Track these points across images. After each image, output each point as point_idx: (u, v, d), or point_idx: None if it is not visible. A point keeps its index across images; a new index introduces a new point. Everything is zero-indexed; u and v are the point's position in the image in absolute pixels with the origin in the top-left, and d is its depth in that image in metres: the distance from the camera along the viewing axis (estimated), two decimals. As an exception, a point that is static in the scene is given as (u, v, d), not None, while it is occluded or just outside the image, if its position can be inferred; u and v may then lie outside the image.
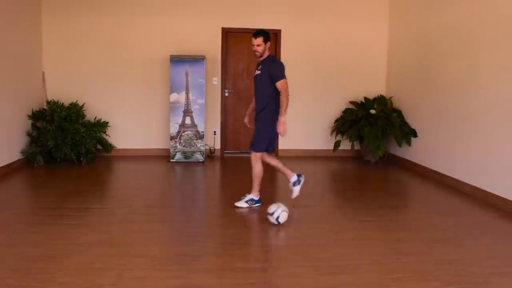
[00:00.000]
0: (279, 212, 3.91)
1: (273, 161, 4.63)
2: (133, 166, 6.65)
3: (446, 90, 5.81)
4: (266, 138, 4.38)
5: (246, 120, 4.79)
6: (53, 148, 6.39)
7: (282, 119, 4.23)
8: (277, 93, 4.29)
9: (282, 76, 4.23)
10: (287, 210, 3.97)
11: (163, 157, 7.19)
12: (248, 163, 7.23)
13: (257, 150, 4.41)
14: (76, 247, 3.34)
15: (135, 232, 3.72)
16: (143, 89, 7.33)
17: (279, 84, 4.22)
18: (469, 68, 5.30)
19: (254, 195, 4.58)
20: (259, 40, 4.23)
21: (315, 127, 7.72)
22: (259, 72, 4.35)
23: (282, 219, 3.93)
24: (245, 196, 4.60)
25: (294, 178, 4.66)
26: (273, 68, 4.25)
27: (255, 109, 4.47)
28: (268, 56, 4.36)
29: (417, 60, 6.63)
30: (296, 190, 4.66)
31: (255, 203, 4.57)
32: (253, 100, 4.56)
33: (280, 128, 4.24)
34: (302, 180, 4.70)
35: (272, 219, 3.93)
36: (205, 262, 3.16)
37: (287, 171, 4.68)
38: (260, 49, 4.25)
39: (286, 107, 4.20)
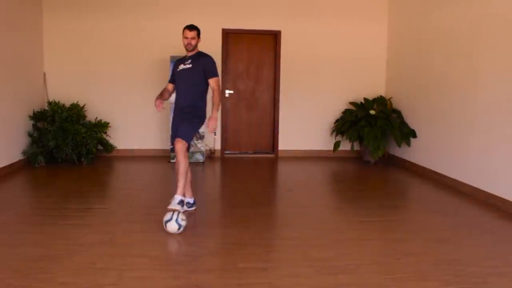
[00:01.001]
0: (170, 220, 3.65)
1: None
2: (134, 166, 6.67)
3: (446, 91, 5.82)
4: (195, 133, 4.26)
5: (158, 102, 4.23)
6: (54, 149, 6.41)
7: (215, 114, 4.10)
8: (207, 89, 4.30)
9: (217, 73, 4.27)
10: (178, 222, 3.64)
11: (163, 158, 7.21)
12: (247, 163, 7.30)
13: (188, 140, 4.10)
14: (77, 247, 3.36)
15: (136, 232, 3.73)
16: (143, 89, 7.34)
17: (215, 81, 4.23)
18: (469, 68, 5.32)
19: (184, 196, 4.19)
20: (194, 33, 4.19)
21: (315, 127, 7.73)
22: (189, 66, 4.23)
23: (169, 227, 3.66)
24: (174, 198, 4.08)
25: (184, 199, 4.20)
26: (210, 64, 4.24)
27: (181, 104, 4.25)
28: (200, 52, 4.32)
29: (417, 61, 6.64)
30: (175, 204, 4.04)
31: (191, 206, 4.33)
32: (166, 91, 4.41)
33: (213, 123, 4.06)
34: (186, 208, 4.26)
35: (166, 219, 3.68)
36: (206, 262, 3.18)
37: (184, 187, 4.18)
38: (194, 42, 4.20)
39: (219, 106, 4.18)
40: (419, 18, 6.59)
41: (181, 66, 4.29)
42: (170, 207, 4.00)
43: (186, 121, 4.18)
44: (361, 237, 3.76)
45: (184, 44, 4.23)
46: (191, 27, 4.22)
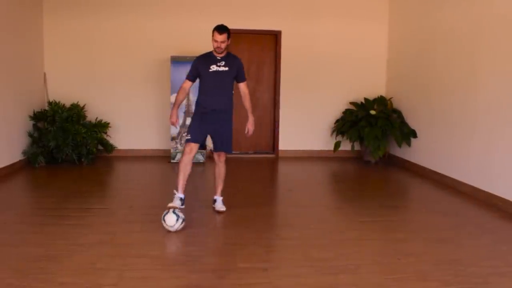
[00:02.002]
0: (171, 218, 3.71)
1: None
2: (134, 166, 6.66)
3: (446, 91, 5.81)
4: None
5: (176, 119, 4.26)
6: (54, 149, 6.40)
7: (253, 118, 4.43)
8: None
9: (245, 77, 4.35)
10: (176, 213, 3.71)
11: (164, 158, 7.20)
12: (248, 163, 7.29)
13: (231, 151, 4.41)
14: (77, 247, 3.35)
15: (136, 232, 3.73)
16: (144, 90, 7.35)
17: (246, 85, 4.34)
18: (469, 68, 5.31)
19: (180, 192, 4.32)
20: (224, 36, 4.04)
21: (315, 127, 7.72)
22: (225, 68, 4.15)
23: (167, 220, 3.70)
24: (217, 200, 4.41)
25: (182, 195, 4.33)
26: (242, 68, 4.27)
27: (214, 106, 4.20)
28: (230, 53, 4.25)
29: (417, 61, 6.63)
30: (222, 205, 4.39)
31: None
32: (184, 91, 4.24)
33: (252, 126, 4.39)
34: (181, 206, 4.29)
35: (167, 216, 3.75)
36: (206, 262, 3.17)
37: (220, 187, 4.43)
38: (224, 45, 4.07)
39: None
40: (420, 18, 6.58)
41: (214, 67, 4.15)
42: (219, 209, 4.32)
43: (227, 131, 4.30)
44: (362, 237, 3.75)
45: (213, 46, 4.11)
46: (221, 30, 4.04)
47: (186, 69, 6.79)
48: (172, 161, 6.95)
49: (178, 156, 6.97)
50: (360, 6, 7.60)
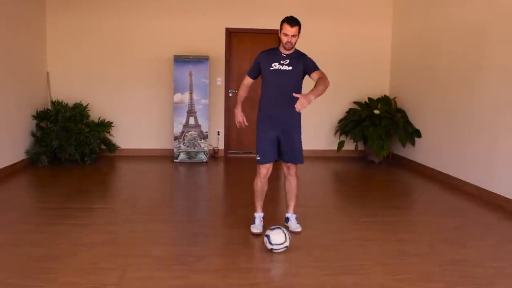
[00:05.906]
0: (282, 245, 3.29)
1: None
2: (137, 166, 6.66)
3: (451, 90, 5.78)
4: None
5: (243, 117, 3.92)
6: (57, 148, 6.40)
7: (311, 97, 3.22)
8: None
9: (317, 66, 3.64)
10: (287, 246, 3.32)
11: (166, 157, 7.19)
12: (250, 163, 7.24)
13: (303, 161, 3.80)
14: (79, 247, 3.35)
15: (139, 232, 3.72)
16: (147, 89, 7.34)
17: (320, 72, 3.55)
18: (474, 67, 5.27)
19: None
20: (296, 29, 3.53)
21: (318, 127, 7.69)
22: (288, 68, 3.59)
23: (274, 237, 3.30)
24: (290, 219, 3.89)
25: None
26: (309, 60, 3.64)
27: (281, 112, 3.64)
28: (298, 50, 3.70)
29: (421, 60, 6.60)
30: (296, 226, 3.84)
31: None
32: (246, 89, 3.89)
33: (303, 103, 3.17)
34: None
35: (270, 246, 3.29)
36: (208, 263, 3.16)
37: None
38: (294, 40, 3.55)
39: (321, 93, 3.33)
40: (424, 17, 6.54)
41: (276, 65, 3.61)
42: (294, 230, 3.73)
43: (297, 140, 3.72)
44: (365, 237, 3.73)
45: (282, 41, 3.58)
46: (292, 22, 3.53)
47: (189, 68, 6.92)
48: (175, 160, 6.94)
49: (181, 155, 6.97)
50: (364, 6, 7.56)
